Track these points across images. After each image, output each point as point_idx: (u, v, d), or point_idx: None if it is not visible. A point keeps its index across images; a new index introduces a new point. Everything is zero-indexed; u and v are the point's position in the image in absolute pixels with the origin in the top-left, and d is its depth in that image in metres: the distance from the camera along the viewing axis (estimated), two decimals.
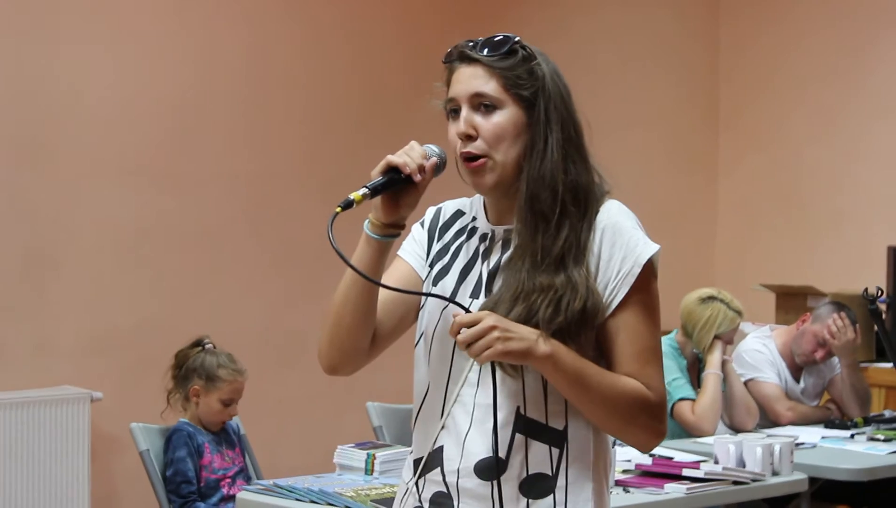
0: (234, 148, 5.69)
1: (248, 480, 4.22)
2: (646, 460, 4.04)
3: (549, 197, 2.06)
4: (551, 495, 2.06)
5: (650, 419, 2.06)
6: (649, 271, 2.08)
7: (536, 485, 2.06)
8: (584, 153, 2.14)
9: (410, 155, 2.08)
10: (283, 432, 5.68)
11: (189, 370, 4.27)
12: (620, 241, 2.09)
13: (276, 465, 5.07)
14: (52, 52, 5.18)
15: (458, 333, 1.97)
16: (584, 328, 2.04)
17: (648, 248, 2.09)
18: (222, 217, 5.63)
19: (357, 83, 6.02)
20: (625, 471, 3.90)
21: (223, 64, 5.66)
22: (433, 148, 2.12)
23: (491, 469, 2.05)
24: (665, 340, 4.91)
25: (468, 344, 1.96)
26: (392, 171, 2.07)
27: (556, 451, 2.06)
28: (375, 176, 2.07)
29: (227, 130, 5.67)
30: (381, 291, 2.13)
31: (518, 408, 2.06)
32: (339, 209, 2.03)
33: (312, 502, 3.45)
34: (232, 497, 4.08)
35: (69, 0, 5.24)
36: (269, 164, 5.79)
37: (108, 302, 5.31)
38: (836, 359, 5.17)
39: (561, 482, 2.07)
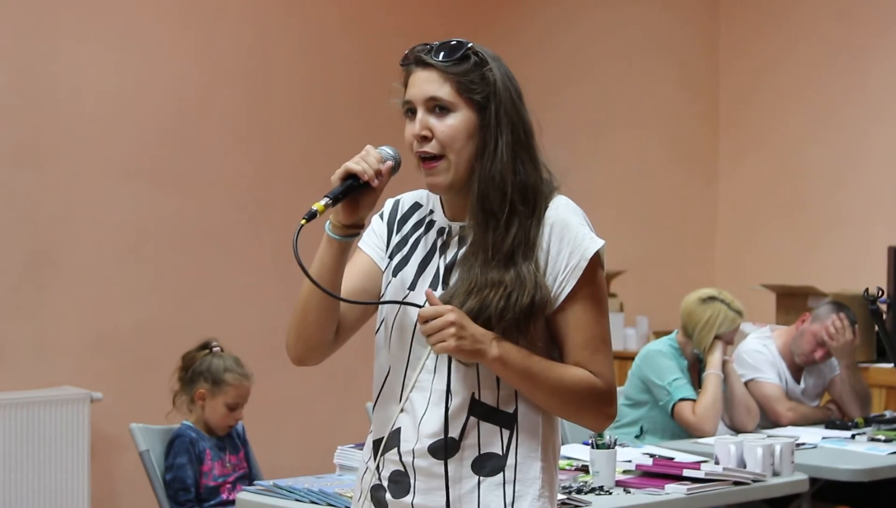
0: (235, 148, 5.69)
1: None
2: (646, 460, 4.04)
3: (499, 197, 2.17)
4: (501, 473, 2.19)
5: (599, 404, 2.20)
6: (596, 263, 2.19)
7: (487, 464, 2.19)
8: (534, 154, 2.23)
9: (367, 161, 2.20)
10: (283, 432, 5.68)
11: (195, 373, 4.24)
12: (568, 236, 2.19)
13: (276, 465, 5.06)
14: (52, 51, 5.18)
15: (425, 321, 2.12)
16: (533, 320, 2.16)
17: (594, 243, 2.19)
18: (223, 217, 5.63)
19: (358, 83, 6.02)
20: (625, 472, 3.89)
21: (224, 64, 5.66)
22: (388, 151, 2.24)
23: (444, 450, 2.18)
24: (665, 340, 4.91)
25: (429, 334, 2.12)
26: (351, 178, 2.20)
27: (506, 432, 2.20)
28: (335, 183, 2.19)
29: (227, 131, 5.67)
30: (344, 284, 2.26)
31: (473, 394, 2.19)
32: (303, 222, 2.15)
33: (312, 502, 3.45)
34: (231, 502, 4.07)
35: (69, 0, 5.24)
36: (270, 164, 5.79)
37: (108, 302, 5.31)
38: (836, 359, 5.17)
39: (511, 461, 2.20)
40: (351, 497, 3.40)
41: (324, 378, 5.71)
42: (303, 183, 5.79)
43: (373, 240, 2.33)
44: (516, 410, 2.19)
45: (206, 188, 5.59)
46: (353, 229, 2.23)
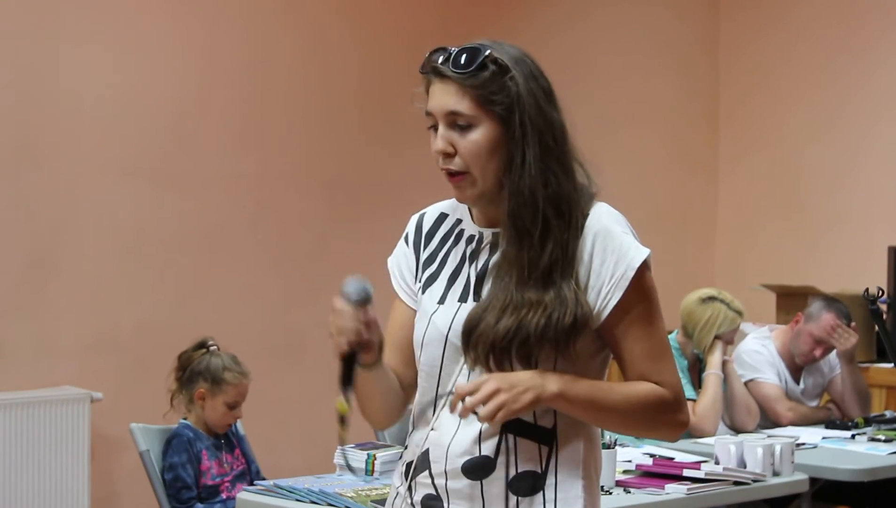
0: (235, 148, 5.69)
1: (250, 483, 4.17)
2: (646, 460, 4.04)
3: (530, 213, 2.07)
4: (541, 492, 2.09)
5: (670, 414, 2.11)
6: (643, 272, 2.09)
7: (525, 483, 2.09)
8: (566, 161, 2.13)
9: (345, 331, 2.09)
10: (283, 432, 5.68)
11: (194, 372, 4.23)
12: (612, 246, 2.09)
13: (277, 465, 5.06)
14: (52, 52, 5.17)
15: (462, 398, 2.02)
16: (575, 337, 2.06)
17: (640, 252, 2.10)
18: (222, 217, 5.63)
19: (357, 83, 6.01)
20: (625, 472, 3.89)
21: (223, 64, 5.66)
22: (355, 289, 2.10)
23: (478, 469, 2.09)
24: None
25: (475, 410, 2.01)
26: (347, 358, 2.12)
27: (545, 449, 2.09)
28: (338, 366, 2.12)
29: (227, 131, 5.67)
30: (395, 344, 2.21)
31: None
32: (343, 435, 2.15)
33: (313, 502, 3.45)
34: (232, 500, 4.07)
35: (69, 0, 5.24)
36: (270, 164, 5.79)
37: (108, 302, 5.30)
38: (835, 359, 5.17)
39: (550, 480, 2.09)
40: (351, 497, 3.41)
41: (324, 378, 5.69)
42: (303, 183, 5.79)
43: (405, 276, 2.24)
44: (555, 425, 2.09)
45: (206, 188, 5.59)
46: (380, 356, 2.16)
